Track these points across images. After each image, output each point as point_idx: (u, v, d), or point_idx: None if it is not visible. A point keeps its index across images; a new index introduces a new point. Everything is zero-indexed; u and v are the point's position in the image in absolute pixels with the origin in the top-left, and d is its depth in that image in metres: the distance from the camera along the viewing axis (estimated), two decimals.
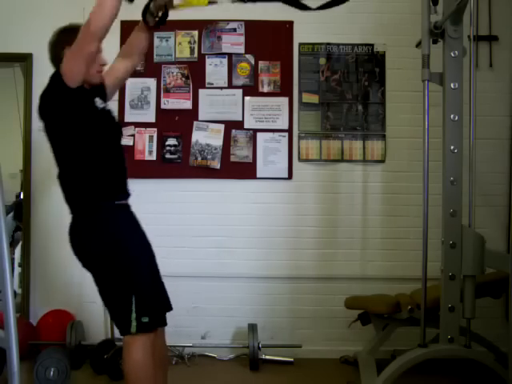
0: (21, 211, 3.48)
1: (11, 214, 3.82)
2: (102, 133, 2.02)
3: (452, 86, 2.48)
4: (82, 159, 1.97)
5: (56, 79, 1.94)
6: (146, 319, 1.91)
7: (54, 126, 1.98)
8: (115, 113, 2.21)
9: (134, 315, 1.90)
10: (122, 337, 1.98)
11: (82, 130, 1.96)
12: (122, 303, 1.93)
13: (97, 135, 2.00)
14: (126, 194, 2.13)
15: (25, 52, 3.37)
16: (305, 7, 2.38)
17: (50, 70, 3.43)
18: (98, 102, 2.05)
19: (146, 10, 2.22)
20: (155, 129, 3.41)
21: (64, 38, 2.04)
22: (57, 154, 2.02)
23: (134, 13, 3.52)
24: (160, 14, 2.21)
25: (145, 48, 2.32)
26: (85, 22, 1.89)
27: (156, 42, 3.42)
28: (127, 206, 2.13)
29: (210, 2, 2.12)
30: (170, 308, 2.13)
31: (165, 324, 2.05)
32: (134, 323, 1.90)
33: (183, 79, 3.42)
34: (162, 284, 2.15)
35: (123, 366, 1.95)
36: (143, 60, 2.40)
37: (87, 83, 2.04)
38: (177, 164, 3.40)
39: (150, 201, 3.39)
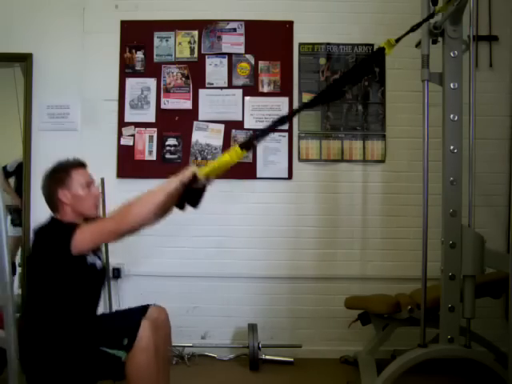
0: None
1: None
2: (82, 287, 2.03)
3: (452, 86, 2.48)
4: (55, 306, 1.97)
5: (64, 239, 1.90)
6: (125, 340, 1.91)
7: (38, 270, 1.98)
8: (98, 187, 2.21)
9: (114, 351, 1.91)
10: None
11: (63, 283, 1.97)
12: (101, 361, 1.93)
13: (77, 288, 2.01)
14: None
15: (25, 52, 3.38)
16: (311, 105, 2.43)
17: (49, 69, 3.46)
18: (90, 257, 2.06)
19: (183, 202, 2.03)
20: (155, 129, 3.41)
21: (55, 180, 2.06)
22: (31, 293, 2.02)
23: (135, 13, 3.54)
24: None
25: (165, 216, 2.18)
26: (123, 207, 1.91)
27: (156, 41, 3.42)
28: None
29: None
30: (142, 310, 2.16)
31: (139, 321, 2.00)
32: (121, 353, 1.90)
33: (183, 79, 3.42)
34: (117, 313, 2.25)
35: (126, 368, 1.94)
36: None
37: (83, 216, 2.07)
38: (177, 164, 3.40)
39: None
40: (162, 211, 2.05)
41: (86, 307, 2.09)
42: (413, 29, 2.30)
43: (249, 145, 2.06)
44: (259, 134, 2.12)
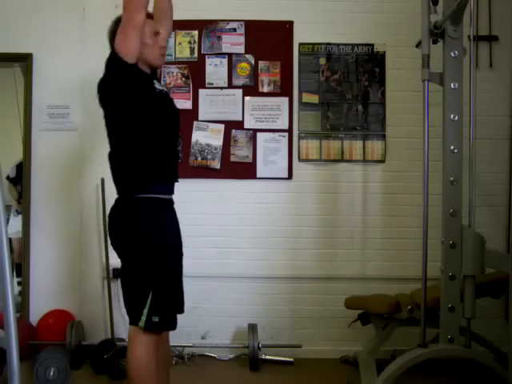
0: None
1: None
2: (158, 116, 2.03)
3: (452, 85, 2.48)
4: (135, 140, 1.98)
5: (112, 58, 1.96)
6: (156, 319, 1.92)
7: (112, 103, 2.00)
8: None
9: (146, 311, 1.91)
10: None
11: (139, 110, 1.97)
12: (138, 295, 1.94)
13: (153, 117, 2.00)
14: (172, 185, 2.14)
15: (25, 52, 3.38)
16: None
17: (49, 69, 3.46)
18: (157, 84, 2.07)
19: None
20: None
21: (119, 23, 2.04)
22: (111, 133, 2.05)
23: None
24: None
25: (172, 8, 2.27)
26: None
27: None
28: (171, 202, 2.16)
29: None
30: (181, 311, 2.17)
31: (174, 328, 2.04)
32: (143, 318, 1.91)
33: (183, 79, 3.42)
34: (181, 287, 2.20)
35: (126, 364, 1.95)
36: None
37: (149, 66, 2.07)
38: None
39: None
40: None
41: (165, 141, 2.08)
42: None
43: None
44: None
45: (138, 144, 1.99)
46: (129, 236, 1.96)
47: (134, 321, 1.94)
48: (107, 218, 2.07)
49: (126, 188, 2.01)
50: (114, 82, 1.98)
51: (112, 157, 2.06)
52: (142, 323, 1.91)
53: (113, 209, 2.05)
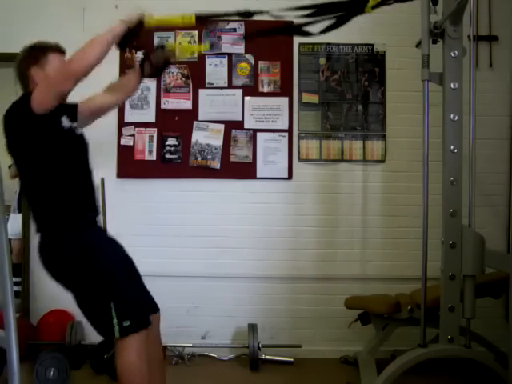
0: None
1: None
2: (67, 152, 2.00)
3: (452, 85, 2.48)
4: (47, 178, 1.96)
5: (24, 103, 1.91)
6: (127, 323, 1.90)
7: (19, 147, 1.96)
8: (85, 133, 2.19)
9: (115, 321, 1.90)
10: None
11: (47, 151, 1.95)
12: (101, 311, 1.92)
13: (62, 155, 1.98)
14: (95, 212, 2.10)
15: None
16: (308, 33, 2.39)
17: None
18: (65, 121, 2.03)
19: (143, 62, 2.17)
20: (155, 129, 3.41)
21: (31, 56, 2.05)
22: (22, 172, 2.00)
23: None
24: (159, 65, 2.16)
25: (133, 91, 2.32)
26: (73, 54, 1.94)
27: (156, 41, 3.42)
28: (96, 221, 2.11)
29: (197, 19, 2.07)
30: (154, 309, 2.13)
31: (148, 325, 2.01)
32: (116, 328, 1.90)
33: (183, 79, 3.42)
34: (142, 286, 2.16)
35: (117, 369, 1.94)
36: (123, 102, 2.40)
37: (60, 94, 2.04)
38: (177, 164, 3.40)
39: (150, 201, 3.39)
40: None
41: (81, 174, 2.06)
42: None
43: (205, 21, 2.12)
44: (212, 20, 2.16)
45: (51, 182, 1.97)
46: (70, 267, 1.94)
47: (109, 337, 1.93)
48: (39, 256, 2.00)
49: (47, 224, 1.98)
50: (19, 127, 1.94)
51: (28, 195, 2.04)
52: (117, 333, 1.90)
53: (43, 246, 1.99)
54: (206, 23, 2.13)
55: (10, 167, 3.56)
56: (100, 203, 2.19)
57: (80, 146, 2.11)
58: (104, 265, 1.96)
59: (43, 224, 1.99)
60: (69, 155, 2.01)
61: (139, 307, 2.02)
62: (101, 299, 1.93)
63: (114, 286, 1.95)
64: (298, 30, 2.39)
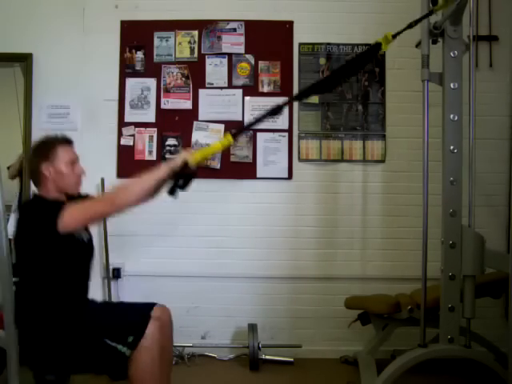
0: None
1: None
2: (70, 259, 2.03)
3: (452, 86, 2.48)
4: (41, 285, 1.97)
5: (51, 217, 1.89)
6: (130, 338, 1.92)
7: (24, 249, 1.98)
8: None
9: (119, 347, 1.92)
10: None
11: (50, 260, 1.97)
12: (104, 354, 1.93)
13: (65, 261, 2.01)
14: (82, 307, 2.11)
15: (25, 52, 3.37)
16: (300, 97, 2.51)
17: (49, 69, 3.46)
18: (77, 233, 2.05)
19: (174, 189, 2.04)
20: (155, 129, 3.41)
21: (40, 153, 2.06)
22: (22, 267, 2.02)
23: (135, 13, 3.54)
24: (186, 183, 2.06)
25: (148, 199, 2.19)
26: (113, 190, 2.02)
27: (156, 41, 3.42)
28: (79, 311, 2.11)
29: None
30: (149, 307, 2.14)
31: (147, 320, 2.01)
32: (124, 349, 1.92)
33: (183, 79, 3.42)
34: (124, 306, 2.22)
35: (129, 367, 1.94)
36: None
37: (65, 193, 2.08)
38: None
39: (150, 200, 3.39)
40: (150, 195, 2.11)
41: (77, 281, 2.09)
42: (411, 25, 2.29)
43: (240, 133, 2.12)
44: (252, 123, 2.14)
45: (46, 283, 1.99)
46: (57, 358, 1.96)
47: (124, 361, 1.94)
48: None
49: (35, 326, 1.98)
50: (34, 238, 1.94)
51: (18, 289, 2.04)
52: (128, 352, 1.92)
53: (24, 343, 1.99)
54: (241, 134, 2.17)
55: (8, 168, 3.57)
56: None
57: (85, 255, 2.15)
58: (83, 335, 1.96)
59: (26, 324, 1.98)
60: (72, 264, 2.05)
61: (130, 319, 2.04)
62: (96, 348, 1.93)
63: (98, 330, 1.96)
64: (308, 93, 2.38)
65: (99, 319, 2.06)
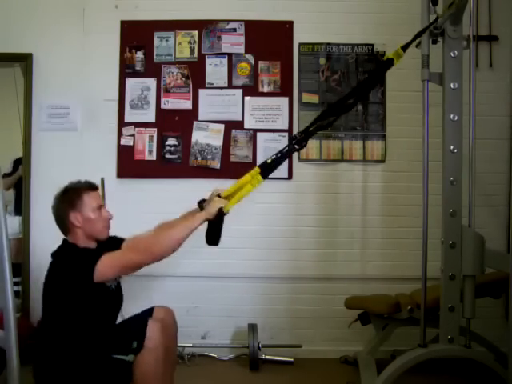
0: None
1: None
2: (100, 308, 2.04)
3: (452, 85, 2.48)
4: (68, 334, 1.98)
5: (87, 268, 1.92)
6: (134, 344, 1.93)
7: (55, 297, 2.00)
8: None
9: (126, 357, 1.94)
10: None
11: (80, 310, 1.98)
12: (115, 368, 1.95)
13: (95, 311, 2.02)
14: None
15: (25, 52, 3.38)
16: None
17: (49, 69, 3.46)
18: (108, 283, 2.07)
19: (212, 237, 2.10)
20: (155, 129, 3.41)
21: (66, 201, 2.08)
22: (49, 316, 2.04)
23: (135, 13, 3.54)
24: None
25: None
26: (148, 239, 2.02)
27: (156, 41, 3.42)
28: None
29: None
30: (148, 312, 2.18)
31: (147, 319, 2.03)
32: (130, 356, 1.93)
33: (183, 79, 3.42)
34: (124, 321, 2.23)
35: (133, 367, 1.95)
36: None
37: (94, 239, 2.09)
38: (177, 164, 3.41)
39: (150, 201, 3.39)
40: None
41: (105, 326, 2.09)
42: (418, 35, 2.31)
43: (270, 172, 2.16)
44: (278, 161, 2.16)
45: (74, 333, 1.99)
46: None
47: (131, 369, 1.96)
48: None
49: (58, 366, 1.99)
50: (67, 287, 1.96)
51: (45, 333, 2.06)
52: (134, 357, 1.94)
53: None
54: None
55: (3, 176, 3.56)
56: None
57: (115, 302, 2.18)
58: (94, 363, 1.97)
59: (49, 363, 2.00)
60: (101, 311, 2.05)
61: (130, 326, 2.07)
62: (107, 366, 1.95)
63: (104, 350, 1.97)
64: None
65: (108, 341, 2.05)
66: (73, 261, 1.98)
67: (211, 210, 2.01)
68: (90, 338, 1.99)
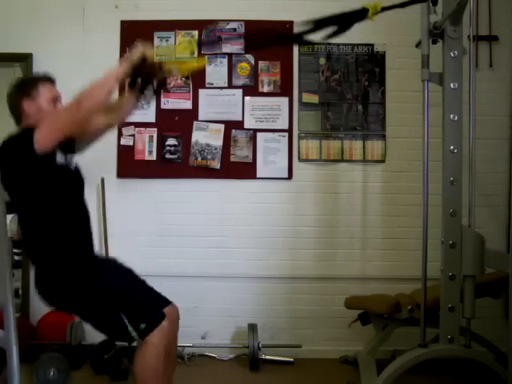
0: None
1: None
2: (61, 190, 2.02)
3: (452, 86, 2.48)
4: (42, 217, 1.98)
5: (26, 142, 1.91)
6: (143, 325, 1.93)
7: (13, 183, 1.97)
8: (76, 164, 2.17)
9: (130, 328, 1.93)
10: None
11: (41, 190, 1.96)
12: (114, 323, 1.95)
13: (56, 193, 2.00)
14: (91, 248, 2.14)
15: (25, 52, 3.37)
16: (308, 42, 2.39)
17: (49, 69, 3.42)
18: (59, 156, 2.03)
19: (141, 85, 2.12)
20: (155, 129, 3.41)
21: (21, 90, 2.06)
22: (17, 208, 2.02)
23: (135, 13, 3.54)
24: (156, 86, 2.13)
25: (128, 114, 2.31)
26: (76, 97, 1.94)
27: (156, 41, 3.42)
28: (91, 253, 2.16)
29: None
30: (166, 303, 2.16)
31: (163, 318, 2.03)
32: (134, 333, 1.93)
33: (183, 79, 3.42)
34: (147, 287, 2.20)
35: (134, 366, 1.96)
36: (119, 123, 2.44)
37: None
38: (177, 164, 3.41)
39: (150, 201, 3.39)
40: (124, 112, 2.19)
41: (76, 211, 2.08)
42: (403, 4, 2.30)
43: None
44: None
45: (46, 222, 1.98)
46: (67, 298, 1.99)
47: (129, 341, 1.97)
48: (36, 291, 2.04)
49: (47, 264, 2.00)
50: (17, 167, 1.94)
51: (24, 235, 2.05)
52: (136, 337, 1.94)
53: (39, 278, 2.02)
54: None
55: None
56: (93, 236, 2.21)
57: (75, 183, 2.13)
58: (101, 284, 1.99)
59: (39, 260, 2.01)
60: (63, 193, 2.03)
61: (149, 306, 2.05)
62: (110, 314, 1.95)
63: (118, 298, 1.98)
64: (299, 38, 2.38)
65: (123, 285, 2.06)
66: (13, 143, 1.96)
67: (133, 54, 1.98)
68: (66, 225, 2.00)
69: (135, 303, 2.01)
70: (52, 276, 1.99)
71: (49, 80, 2.12)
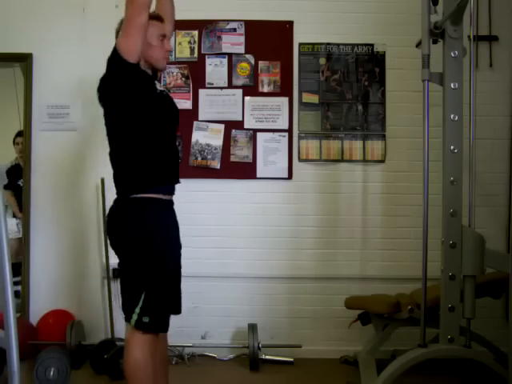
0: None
1: None
2: (157, 117, 2.04)
3: (452, 85, 2.48)
4: (134, 140, 2.00)
5: (114, 56, 1.96)
6: (146, 319, 1.93)
7: (112, 102, 2.01)
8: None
9: (137, 309, 1.94)
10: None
11: (139, 109, 1.99)
12: (132, 293, 1.97)
13: (153, 118, 2.02)
14: (172, 187, 2.18)
15: (25, 52, 3.38)
16: None
17: (49, 69, 3.46)
18: (158, 85, 2.10)
19: None
20: None
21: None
22: (110, 133, 2.08)
23: None
24: None
25: (173, 13, 2.33)
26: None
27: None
28: (171, 203, 2.19)
29: None
30: (177, 312, 2.21)
31: (165, 330, 2.05)
32: (135, 316, 1.94)
33: (183, 79, 3.42)
34: (178, 289, 2.25)
35: (124, 365, 1.96)
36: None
37: (151, 67, 2.09)
38: None
39: None
40: None
41: (164, 140, 2.10)
42: None
43: None
44: None
45: (138, 144, 2.00)
46: (127, 237, 1.98)
47: (127, 318, 1.97)
48: (106, 218, 2.09)
49: (126, 188, 2.02)
50: (114, 80, 1.98)
51: (112, 156, 2.08)
52: (133, 321, 1.94)
53: (112, 209, 2.06)
54: None
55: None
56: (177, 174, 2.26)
57: (170, 113, 2.14)
58: (158, 255, 2.01)
59: (121, 188, 2.03)
60: (158, 120, 2.05)
61: (165, 310, 2.05)
62: (137, 283, 1.96)
63: (154, 281, 1.98)
64: None
65: (168, 274, 2.12)
66: (110, 71, 2.02)
67: None
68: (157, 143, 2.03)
69: (158, 298, 2.00)
70: (125, 211, 2.00)
71: (159, 18, 2.12)
